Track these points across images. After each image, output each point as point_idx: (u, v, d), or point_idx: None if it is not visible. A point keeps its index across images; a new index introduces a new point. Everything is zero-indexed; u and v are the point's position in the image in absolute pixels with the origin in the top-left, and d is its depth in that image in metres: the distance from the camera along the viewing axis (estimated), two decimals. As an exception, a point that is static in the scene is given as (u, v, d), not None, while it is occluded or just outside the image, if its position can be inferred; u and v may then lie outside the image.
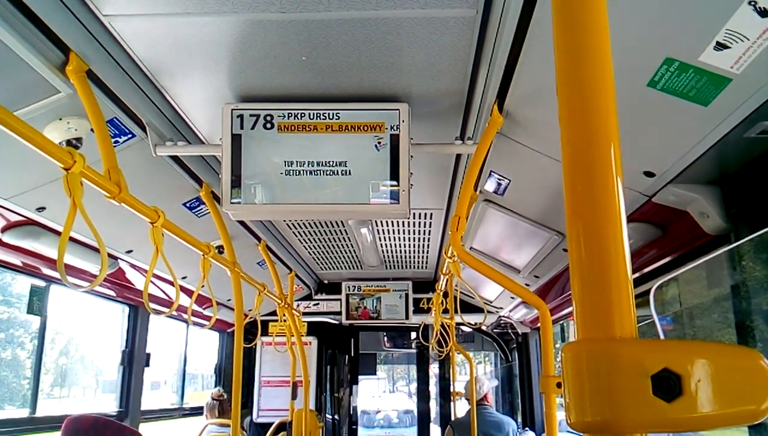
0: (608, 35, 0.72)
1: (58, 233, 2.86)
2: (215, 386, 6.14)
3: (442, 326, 5.22)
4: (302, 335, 5.54)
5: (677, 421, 0.60)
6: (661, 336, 2.70)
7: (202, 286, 2.66)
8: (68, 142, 2.19)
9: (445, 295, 4.57)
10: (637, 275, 3.10)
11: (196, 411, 5.81)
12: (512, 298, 5.43)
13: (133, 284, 4.06)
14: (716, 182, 2.21)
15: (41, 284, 3.47)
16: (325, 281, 6.56)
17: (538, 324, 2.27)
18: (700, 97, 1.69)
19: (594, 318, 0.64)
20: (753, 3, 1.36)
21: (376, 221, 4.30)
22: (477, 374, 6.09)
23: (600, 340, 0.64)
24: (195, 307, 4.95)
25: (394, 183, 2.39)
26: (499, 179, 2.98)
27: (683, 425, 0.60)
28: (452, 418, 5.77)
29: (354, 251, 5.23)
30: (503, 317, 6.26)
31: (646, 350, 0.62)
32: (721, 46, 1.49)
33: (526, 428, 6.13)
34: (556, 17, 0.75)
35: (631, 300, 0.64)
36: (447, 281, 4.09)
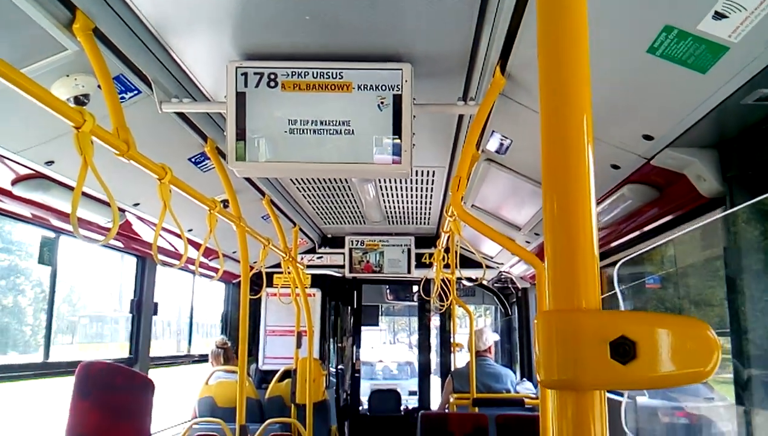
0: (585, 12, 0.77)
1: (66, 186, 2.92)
2: (221, 335, 6.30)
3: (443, 280, 5.32)
4: (306, 287, 5.65)
5: (632, 380, 0.69)
6: (622, 307, 2.89)
7: (209, 239, 2.73)
8: (76, 99, 2.23)
9: (447, 250, 4.65)
10: (637, 233, 3.17)
11: (204, 359, 5.99)
12: (512, 254, 5.52)
13: (140, 236, 4.13)
14: (714, 146, 2.24)
15: (51, 235, 3.55)
16: (329, 235, 6.65)
17: (537, 280, 2.39)
18: (698, 64, 1.71)
19: (563, 290, 0.72)
20: (751, -26, 1.38)
21: (379, 178, 4.34)
22: (482, 326, 6.23)
23: (567, 310, 0.72)
24: (202, 259, 5.04)
25: (397, 142, 2.42)
26: (501, 139, 3.01)
27: (637, 384, 0.69)
28: (452, 368, 5.93)
29: (357, 206, 5.29)
30: (503, 272, 6.36)
31: (606, 320, 0.70)
32: (719, 15, 1.51)
33: (524, 379, 6.30)
34: None
35: (596, 275, 0.72)
36: (448, 237, 4.15)
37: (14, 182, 2.83)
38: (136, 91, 2.47)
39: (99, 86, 2.09)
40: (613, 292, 3.15)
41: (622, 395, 3.36)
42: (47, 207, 3.13)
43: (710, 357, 0.69)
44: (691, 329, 0.70)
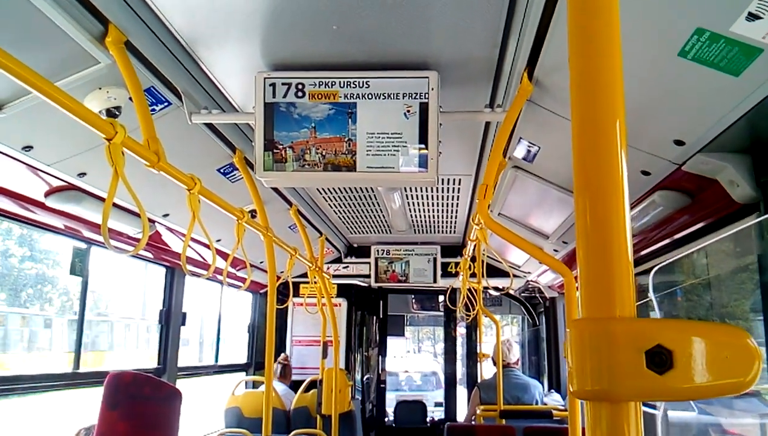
0: (618, 15, 0.75)
1: (98, 198, 2.96)
2: (251, 345, 6.34)
3: (470, 289, 5.28)
4: (332, 297, 5.66)
5: (668, 391, 0.66)
6: (658, 315, 2.82)
7: (237, 249, 2.75)
8: (108, 111, 2.26)
9: (473, 259, 4.62)
10: (668, 240, 3.11)
11: (230, 368, 6.02)
12: (540, 263, 5.46)
13: (169, 246, 4.18)
14: (747, 151, 2.20)
15: (83, 246, 3.61)
16: (355, 245, 6.66)
17: (565, 290, 2.36)
18: (731, 67, 1.68)
19: (597, 298, 0.70)
20: (786, -26, 1.35)
21: (405, 187, 4.34)
22: (508, 336, 6.18)
23: (601, 319, 0.70)
24: (229, 269, 5.08)
25: (423, 151, 2.42)
26: (529, 146, 2.99)
27: (674, 395, 0.67)
28: (479, 379, 5.87)
29: (383, 215, 5.29)
30: (531, 281, 6.30)
31: (641, 328, 0.68)
32: (753, 16, 1.48)
33: (552, 390, 6.22)
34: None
35: (631, 282, 0.70)
36: (475, 246, 4.13)
37: (47, 194, 2.88)
38: (166, 103, 2.51)
39: (130, 98, 2.12)
40: (642, 301, 3.09)
41: (654, 407, 3.28)
42: (79, 218, 3.18)
43: (750, 367, 0.66)
44: (730, 338, 0.67)
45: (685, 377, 0.65)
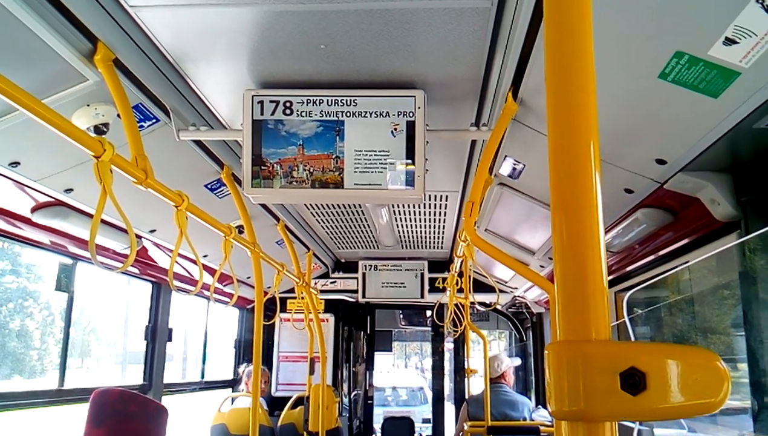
0: (591, 41, 0.78)
1: (85, 213, 2.96)
2: (237, 361, 6.30)
3: (457, 305, 5.29)
4: (320, 312, 5.65)
5: (642, 411, 0.69)
6: (632, 338, 2.91)
7: (224, 265, 2.75)
8: (96, 128, 2.27)
9: (460, 275, 4.64)
10: (652, 257, 3.16)
11: (216, 385, 5.98)
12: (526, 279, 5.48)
13: (155, 262, 4.16)
14: (727, 170, 2.24)
15: (68, 261, 3.59)
16: (342, 260, 6.66)
17: (551, 305, 2.40)
18: (710, 89, 1.72)
19: (573, 321, 0.73)
20: (760, 1, 1.39)
21: (392, 203, 4.36)
22: (496, 351, 6.19)
23: (578, 341, 0.73)
24: (216, 284, 5.06)
25: (410, 168, 2.44)
26: (514, 164, 3.03)
27: (647, 415, 0.70)
28: (467, 395, 5.87)
29: (370, 231, 5.30)
30: (518, 296, 6.32)
31: (615, 351, 0.71)
32: (729, 41, 1.53)
33: (539, 406, 6.22)
34: (547, 23, 0.82)
35: (606, 305, 0.73)
36: (462, 262, 4.15)
37: (34, 210, 2.87)
38: (154, 120, 2.52)
39: (118, 115, 2.13)
40: (630, 316, 3.13)
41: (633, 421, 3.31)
42: (65, 234, 3.17)
43: (720, 388, 0.69)
44: (701, 360, 0.70)
45: (658, 398, 0.68)
